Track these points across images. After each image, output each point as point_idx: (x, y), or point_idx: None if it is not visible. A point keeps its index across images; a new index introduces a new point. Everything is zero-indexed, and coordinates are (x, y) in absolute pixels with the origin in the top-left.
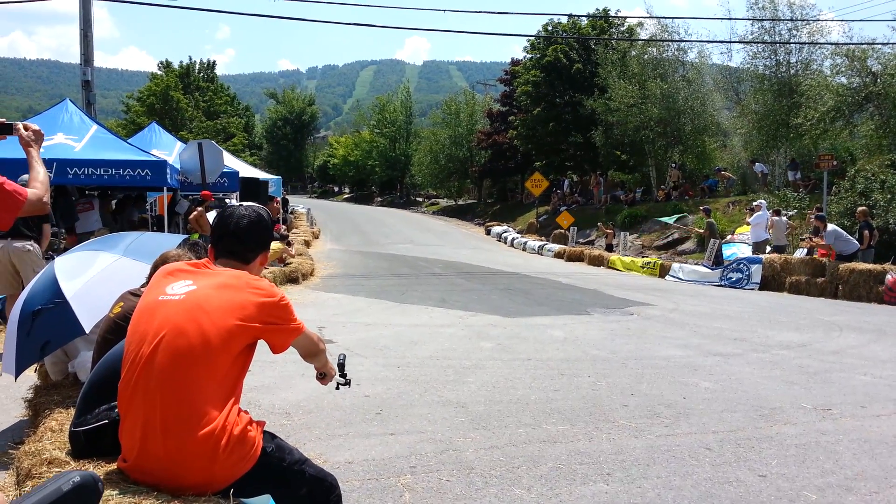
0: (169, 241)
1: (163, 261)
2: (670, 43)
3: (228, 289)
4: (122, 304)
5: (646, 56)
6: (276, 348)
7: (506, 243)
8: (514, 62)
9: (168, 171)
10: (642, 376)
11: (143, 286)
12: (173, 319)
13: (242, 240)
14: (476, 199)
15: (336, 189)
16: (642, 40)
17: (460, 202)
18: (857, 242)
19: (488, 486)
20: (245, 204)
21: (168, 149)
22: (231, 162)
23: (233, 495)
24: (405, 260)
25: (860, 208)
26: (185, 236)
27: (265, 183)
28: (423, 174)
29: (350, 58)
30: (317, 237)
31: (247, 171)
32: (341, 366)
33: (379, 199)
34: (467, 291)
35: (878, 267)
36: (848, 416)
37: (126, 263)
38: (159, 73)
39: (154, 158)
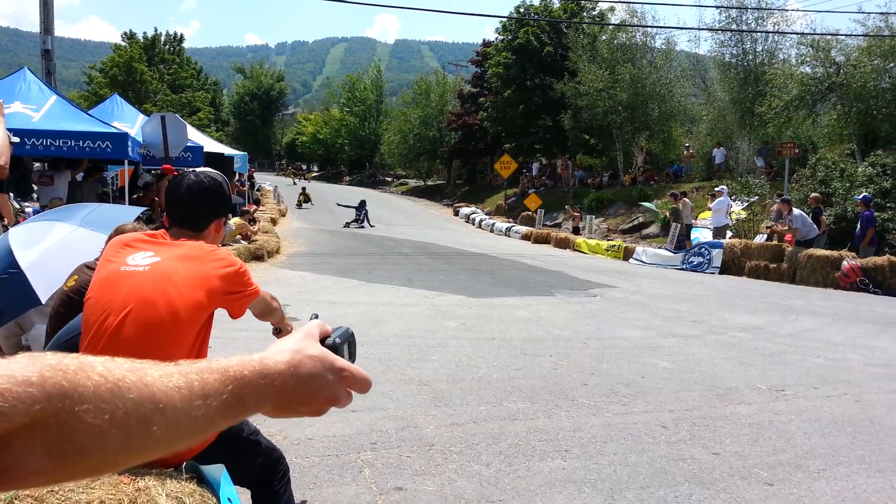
0: (127, 214)
1: (118, 233)
2: (639, 28)
3: (192, 260)
4: (76, 276)
5: (615, 41)
6: (236, 314)
7: (474, 224)
8: (486, 43)
9: (130, 143)
10: (603, 356)
11: (97, 259)
12: (141, 291)
13: (192, 207)
14: (445, 179)
15: (305, 167)
16: (612, 25)
17: (429, 183)
18: (816, 228)
19: (447, 462)
20: (198, 170)
21: (130, 121)
22: (195, 136)
23: (193, 461)
24: (372, 239)
25: (812, 195)
26: (144, 209)
27: (230, 159)
28: (393, 154)
29: (320, 34)
30: (284, 215)
31: (212, 146)
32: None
33: (348, 178)
34: (434, 271)
35: (835, 253)
36: (800, 396)
37: (83, 234)
38: (123, 44)
39: (115, 131)
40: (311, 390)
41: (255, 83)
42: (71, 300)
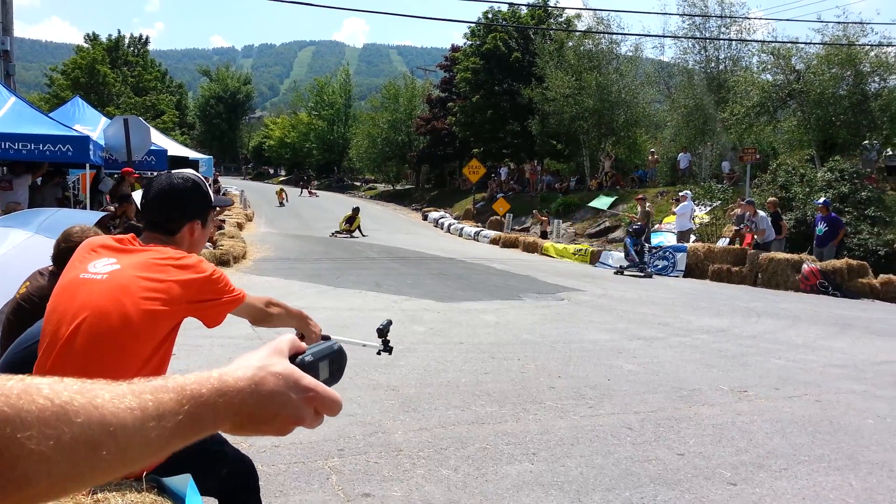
0: (86, 219)
1: (64, 238)
2: (605, 35)
3: (152, 268)
4: (27, 283)
5: (582, 48)
6: (210, 323)
7: (442, 229)
8: (455, 48)
9: (91, 147)
10: (569, 359)
11: (51, 267)
12: (95, 300)
13: (161, 209)
14: (414, 184)
15: (272, 171)
16: (579, 32)
17: (398, 187)
18: (773, 232)
19: (416, 468)
20: (175, 171)
21: (92, 124)
22: (159, 140)
23: (154, 475)
24: (340, 244)
25: (770, 199)
26: (104, 213)
27: (195, 163)
28: (362, 158)
29: (288, 37)
30: (250, 220)
31: (176, 149)
32: (382, 331)
33: (316, 182)
34: (402, 276)
35: (795, 256)
36: (762, 397)
37: (39, 241)
38: (86, 46)
39: (76, 134)
40: (273, 409)
41: (221, 86)
42: (21, 308)
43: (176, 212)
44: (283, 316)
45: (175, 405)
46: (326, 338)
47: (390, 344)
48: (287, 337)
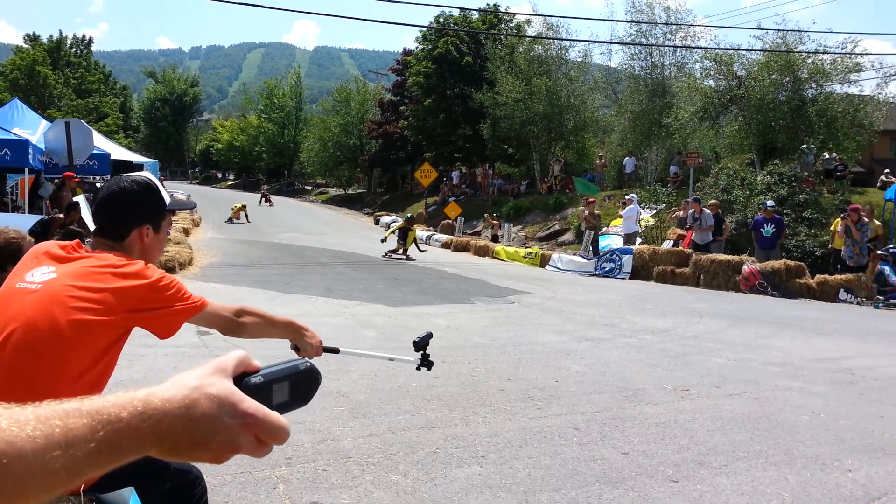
0: (19, 223)
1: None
2: (554, 41)
3: (88, 276)
4: None
5: (532, 53)
6: (161, 334)
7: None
8: (407, 52)
9: (31, 151)
10: (519, 361)
11: None
12: (26, 312)
13: (108, 214)
14: (366, 188)
15: (220, 175)
16: (529, 37)
17: (350, 191)
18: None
19: (365, 474)
20: (128, 174)
21: (32, 127)
22: (102, 143)
23: (94, 491)
24: (291, 249)
25: (711, 202)
26: (43, 217)
27: (139, 167)
28: (313, 162)
29: (237, 39)
30: (197, 225)
31: (120, 153)
32: (420, 344)
33: (266, 186)
34: (353, 281)
35: (736, 258)
36: (704, 395)
37: None
38: (25, 46)
39: (15, 137)
40: (205, 435)
41: (167, 88)
42: None
43: (124, 216)
44: (261, 325)
45: (88, 431)
46: (333, 350)
47: (430, 358)
48: (235, 354)
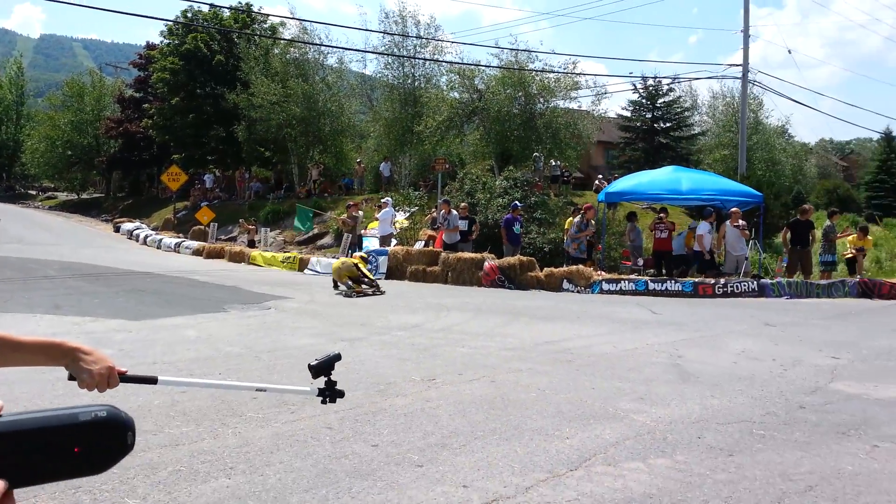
0: None
1: None
2: (310, 45)
3: None
4: None
5: (288, 56)
6: None
7: (138, 241)
8: (150, 46)
9: None
10: (274, 367)
11: None
12: None
13: None
14: (104, 192)
15: None
16: (284, 40)
17: (84, 196)
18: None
19: (97, 503)
20: None
21: None
22: None
23: None
24: (10, 262)
25: (462, 204)
26: None
27: None
28: (38, 163)
29: None
30: None
31: None
32: (319, 368)
33: None
34: (88, 295)
35: (479, 255)
36: (448, 383)
37: None
38: None
39: None
40: None
41: None
42: None
43: None
44: (24, 352)
45: None
46: (151, 380)
47: (337, 386)
48: None
